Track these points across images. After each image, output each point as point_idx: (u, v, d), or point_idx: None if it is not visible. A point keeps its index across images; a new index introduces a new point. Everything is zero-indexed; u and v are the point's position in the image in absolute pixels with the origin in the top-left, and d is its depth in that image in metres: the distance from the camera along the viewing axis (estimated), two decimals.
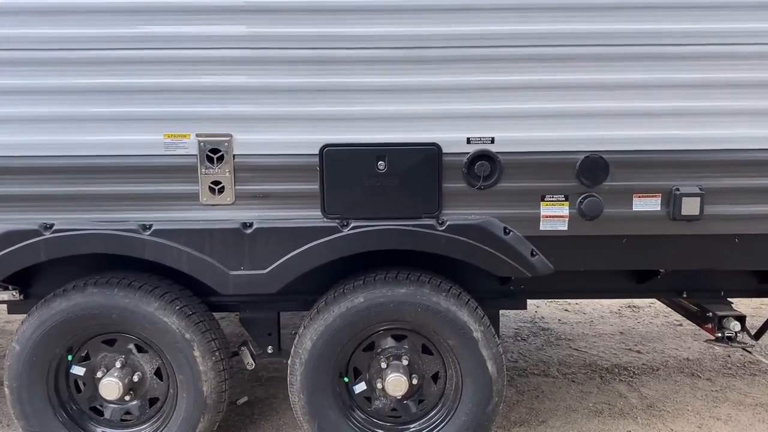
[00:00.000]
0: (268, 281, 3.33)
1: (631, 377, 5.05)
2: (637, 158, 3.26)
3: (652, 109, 3.23)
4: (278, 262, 3.31)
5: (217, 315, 3.84)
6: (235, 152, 3.25)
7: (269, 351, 3.85)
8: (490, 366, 3.46)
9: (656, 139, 3.25)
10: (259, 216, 3.30)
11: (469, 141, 3.25)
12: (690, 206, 3.27)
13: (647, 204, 3.31)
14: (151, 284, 3.51)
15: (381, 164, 3.24)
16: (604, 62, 3.20)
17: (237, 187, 3.28)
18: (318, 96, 3.20)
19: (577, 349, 5.70)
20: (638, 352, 5.63)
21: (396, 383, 3.47)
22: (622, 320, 6.47)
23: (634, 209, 3.31)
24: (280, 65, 3.18)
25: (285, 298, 3.74)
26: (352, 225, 3.30)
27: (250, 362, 3.89)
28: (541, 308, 6.85)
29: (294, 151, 3.24)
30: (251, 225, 3.29)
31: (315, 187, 3.26)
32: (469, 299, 3.51)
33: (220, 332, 3.72)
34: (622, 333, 6.15)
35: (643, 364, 5.33)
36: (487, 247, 3.30)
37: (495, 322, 3.83)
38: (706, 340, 4.00)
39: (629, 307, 6.88)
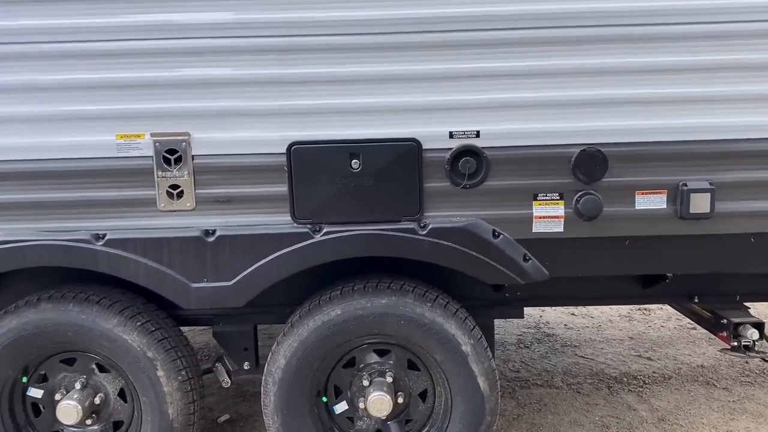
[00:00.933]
0: (234, 294, 3.03)
1: (641, 387, 4.71)
2: (639, 151, 2.94)
3: (656, 96, 2.91)
4: (244, 273, 3.01)
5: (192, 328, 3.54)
6: (193, 152, 2.95)
7: (246, 367, 3.55)
8: (482, 382, 3.14)
9: (660, 128, 2.93)
10: (222, 222, 3.01)
11: (451, 135, 2.93)
12: (699, 203, 2.94)
13: (651, 201, 2.98)
14: (110, 298, 3.22)
15: (355, 163, 2.93)
16: (600, 44, 2.88)
17: (197, 191, 2.98)
18: (284, 88, 2.90)
19: (583, 357, 5.37)
20: (649, 358, 5.29)
21: (380, 402, 3.16)
22: (632, 324, 6.12)
23: (636, 208, 2.99)
24: (241, 55, 2.89)
25: (261, 310, 3.48)
26: (324, 230, 2.99)
27: (225, 380, 3.61)
28: (547, 312, 6.52)
29: (259, 149, 2.94)
30: (214, 232, 3.00)
31: (283, 189, 2.96)
32: (457, 309, 3.19)
33: (189, 349, 3.43)
34: (631, 338, 5.80)
35: (654, 372, 4.98)
36: (474, 253, 2.99)
37: (489, 332, 3.52)
38: (722, 350, 3.66)
39: (639, 310, 6.53)
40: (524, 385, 4.82)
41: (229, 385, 3.60)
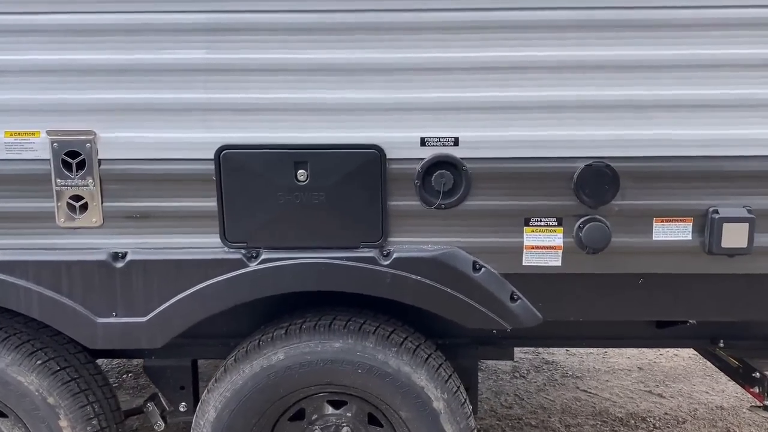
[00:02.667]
0: (149, 333, 2.45)
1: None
2: (659, 167, 2.34)
3: (682, 99, 2.30)
4: (162, 308, 2.43)
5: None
6: (100, 156, 2.37)
7: (182, 409, 2.98)
8: None
9: (687, 140, 2.32)
10: (135, 244, 2.43)
11: (423, 143, 2.32)
12: (734, 235, 2.32)
13: (673, 231, 2.37)
14: (5, 330, 2.63)
15: (301, 174, 2.33)
16: (611, 31, 2.28)
17: (105, 204, 2.40)
18: (212, 78, 2.31)
19: (586, 391, 4.75)
20: (660, 395, 4.67)
21: None
22: (642, 352, 5.49)
23: (654, 238, 2.39)
24: (158, 35, 2.29)
25: (201, 343, 2.91)
26: (262, 257, 2.40)
27: (158, 422, 3.04)
28: None
29: (180, 154, 2.36)
30: (124, 256, 2.41)
31: (211, 204, 2.37)
32: (429, 355, 2.60)
33: (106, 390, 2.84)
34: (641, 369, 5.18)
35: (666, 414, 4.37)
36: (448, 289, 2.39)
37: (472, 377, 2.96)
38: (751, 407, 3.04)
39: None
40: (516, 425, 4.21)
41: (162, 428, 3.02)
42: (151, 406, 2.99)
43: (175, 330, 2.46)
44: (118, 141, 2.36)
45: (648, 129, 2.32)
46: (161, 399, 3.01)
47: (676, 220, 2.37)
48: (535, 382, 4.92)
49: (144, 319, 2.45)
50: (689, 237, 2.37)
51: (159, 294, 2.43)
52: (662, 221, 2.37)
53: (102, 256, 2.41)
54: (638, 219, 2.37)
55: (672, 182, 2.35)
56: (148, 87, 2.32)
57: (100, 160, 2.37)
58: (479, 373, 4.92)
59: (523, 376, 5.03)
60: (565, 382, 4.93)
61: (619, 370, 5.16)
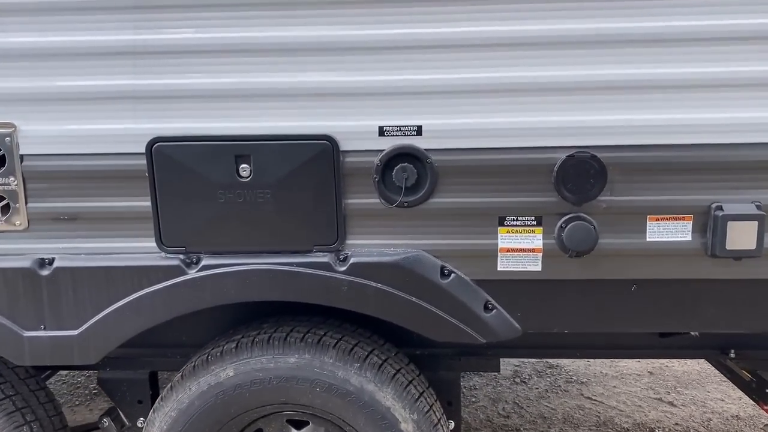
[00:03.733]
0: (82, 348, 2.21)
1: None
2: (653, 158, 2.03)
3: (678, 78, 1.99)
4: (93, 320, 2.18)
5: None
6: (23, 151, 2.11)
7: (139, 425, 2.74)
8: None
9: (685, 125, 2.01)
10: (64, 249, 2.17)
11: (382, 132, 2.04)
12: (741, 235, 2.01)
13: (669, 231, 2.07)
14: None
15: (244, 169, 2.06)
16: (589, 0, 1.94)
17: (30, 205, 2.14)
18: (140, 61, 2.02)
19: (590, 398, 4.44)
20: (671, 403, 4.34)
21: None
22: None
23: (648, 239, 2.08)
24: (78, 14, 2.03)
25: (159, 353, 2.69)
26: (202, 263, 2.12)
27: None
28: None
29: (110, 148, 2.10)
30: (51, 262, 2.16)
31: (145, 204, 2.09)
32: (397, 371, 2.32)
33: (49, 408, 2.60)
34: (651, 373, 4.85)
35: (677, 424, 4.04)
36: (413, 299, 2.11)
37: (453, 390, 2.68)
38: (766, 427, 2.71)
39: None
40: None
41: None
42: (107, 421, 2.77)
43: (110, 344, 2.21)
44: (41, 134, 2.11)
45: (640, 113, 2.02)
46: (119, 414, 2.78)
47: (674, 219, 2.06)
48: (537, 388, 4.62)
49: (75, 333, 2.20)
50: (689, 237, 2.07)
51: (91, 304, 2.18)
52: (657, 220, 2.07)
53: (26, 263, 2.16)
54: (629, 217, 2.08)
55: (668, 174, 2.05)
56: (71, 73, 2.06)
57: (22, 156, 2.12)
58: (477, 378, 4.65)
59: (524, 382, 4.73)
60: (568, 388, 4.62)
61: (628, 375, 4.84)
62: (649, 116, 2.01)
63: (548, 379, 4.80)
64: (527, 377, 4.82)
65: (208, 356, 2.34)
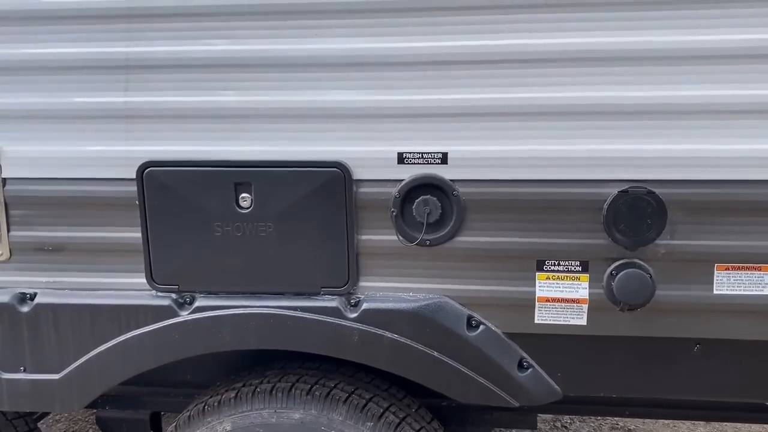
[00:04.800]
0: (64, 393, 1.99)
1: None
2: (723, 195, 1.71)
3: (754, 101, 1.65)
4: (76, 364, 1.95)
5: None
6: (5, 174, 1.92)
7: None
8: None
9: (761, 158, 1.67)
10: (46, 283, 1.95)
11: (402, 159, 1.77)
12: None
13: (742, 283, 1.75)
14: None
15: (244, 198, 1.81)
16: (651, 10, 1.64)
17: (12, 234, 1.95)
18: (132, 76, 1.80)
19: None
20: None
21: None
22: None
23: (715, 292, 1.76)
24: (67, 24, 1.83)
25: (161, 392, 2.45)
26: (196, 304, 1.87)
27: None
28: None
29: (98, 172, 1.88)
30: (33, 297, 1.95)
31: (136, 235, 1.85)
32: (418, 431, 2.01)
33: None
34: (708, 423, 4.41)
35: None
36: (435, 353, 1.82)
37: None
38: None
39: None
40: None
41: None
42: None
43: (94, 391, 1.99)
44: (24, 156, 1.91)
45: (707, 142, 1.70)
46: None
47: (748, 268, 1.74)
48: None
49: (57, 377, 1.98)
50: (766, 291, 1.73)
51: (74, 346, 1.96)
52: (727, 269, 1.75)
53: (5, 298, 1.95)
54: (693, 265, 1.75)
55: (741, 216, 1.72)
56: (56, 89, 1.86)
57: (4, 180, 1.92)
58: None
59: (565, 427, 4.36)
60: None
61: (681, 424, 4.42)
62: (720, 146, 1.70)
63: (592, 424, 4.42)
64: (568, 422, 4.45)
65: (205, 406, 2.09)
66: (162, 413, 2.61)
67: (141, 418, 2.48)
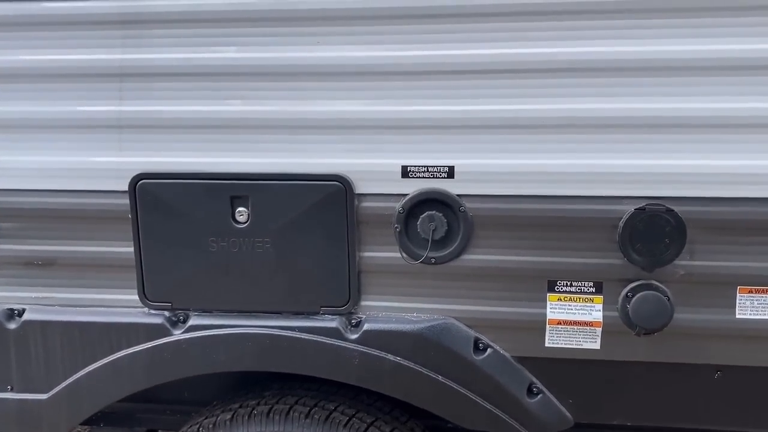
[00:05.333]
0: (52, 414, 1.92)
1: None
2: (746, 213, 1.62)
3: None
4: (66, 383, 1.88)
5: None
6: None
7: None
8: None
9: None
10: (35, 299, 1.88)
11: (406, 173, 1.68)
12: None
13: (766, 307, 1.61)
14: None
15: (240, 212, 1.73)
16: (671, 17, 1.55)
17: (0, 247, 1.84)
18: (126, 83, 1.73)
19: None
20: None
21: None
22: None
23: (738, 316, 1.66)
24: (59, 29, 1.75)
25: (157, 410, 2.34)
26: (190, 323, 1.79)
27: None
28: None
29: (88, 184, 1.81)
30: (21, 314, 1.87)
31: (127, 250, 1.77)
32: None
33: None
34: None
35: None
36: (440, 377, 1.72)
37: None
38: None
39: None
40: None
41: None
42: None
43: (83, 412, 1.92)
44: (12, 166, 1.84)
45: (730, 158, 1.60)
46: None
47: None
48: None
49: (45, 397, 1.90)
50: None
51: (63, 365, 1.88)
52: (750, 292, 1.65)
53: None
54: (714, 288, 1.66)
55: (767, 236, 1.61)
56: (46, 97, 1.79)
57: None
58: None
59: None
60: None
61: None
62: (742, 162, 1.60)
63: None
64: None
65: (199, 428, 2.00)
66: (158, 431, 2.52)
67: None
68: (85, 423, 2.51)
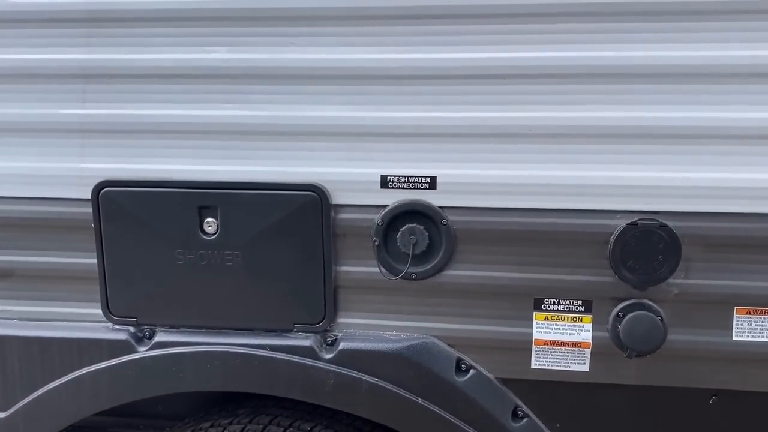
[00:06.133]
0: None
1: None
2: (744, 230, 1.53)
3: None
4: (25, 401, 1.78)
5: None
6: None
7: None
8: None
9: None
10: None
11: (386, 183, 1.59)
12: None
13: (765, 329, 1.55)
14: None
15: (209, 223, 1.64)
16: (670, 21, 1.46)
17: None
18: (90, 85, 1.63)
19: None
20: None
21: None
22: None
23: (735, 338, 1.57)
24: (14, 26, 1.64)
25: (129, 424, 2.23)
26: (156, 340, 1.69)
27: None
28: None
29: (48, 191, 1.71)
30: None
31: (90, 262, 1.68)
32: None
33: None
34: None
35: None
36: (419, 400, 1.63)
37: None
38: None
39: None
40: None
41: None
42: None
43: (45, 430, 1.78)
44: None
45: (729, 171, 1.51)
46: None
47: None
48: None
49: (3, 415, 1.80)
50: None
51: (22, 382, 1.78)
52: (748, 313, 1.56)
53: None
54: (709, 308, 1.57)
55: (766, 254, 1.52)
56: (5, 99, 1.68)
57: None
58: None
59: None
60: None
61: None
62: (741, 175, 1.51)
63: None
64: None
65: None
66: None
67: None
68: None
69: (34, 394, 1.77)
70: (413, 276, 1.63)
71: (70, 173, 1.68)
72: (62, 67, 1.65)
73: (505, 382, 1.67)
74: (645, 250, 1.53)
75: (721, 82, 1.48)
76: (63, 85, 1.65)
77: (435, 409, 1.65)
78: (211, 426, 1.91)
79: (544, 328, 1.62)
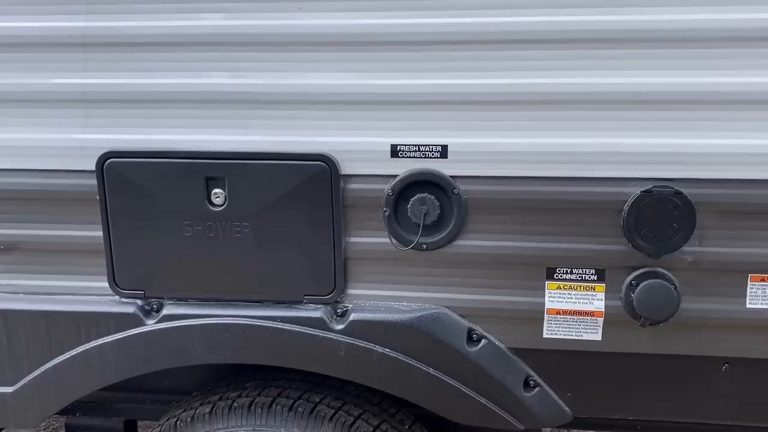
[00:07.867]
0: (18, 407, 1.83)
1: None
2: (760, 197, 1.51)
3: None
4: (32, 376, 1.76)
5: None
6: None
7: None
8: None
9: None
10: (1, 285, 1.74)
11: (396, 152, 1.57)
12: None
13: None
14: None
15: (216, 194, 1.61)
16: None
17: None
18: (91, 54, 1.60)
19: None
20: None
21: None
22: None
23: (749, 306, 1.56)
24: None
25: (136, 399, 2.24)
26: (164, 312, 1.67)
27: None
28: None
29: (52, 163, 1.69)
30: None
31: (96, 234, 1.65)
32: None
33: None
34: None
35: None
36: (431, 370, 1.62)
37: None
38: None
39: None
40: None
41: None
42: None
43: (51, 406, 1.81)
44: None
45: (744, 137, 1.50)
46: None
47: None
48: None
49: (11, 390, 1.78)
50: None
51: (29, 357, 1.76)
52: (762, 280, 1.55)
53: None
54: (724, 276, 1.56)
55: None
56: (6, 69, 1.64)
57: None
58: None
59: None
60: None
61: None
62: (756, 141, 1.50)
63: None
64: None
65: (177, 421, 1.90)
66: (137, 421, 2.42)
67: (114, 427, 2.29)
68: (60, 413, 2.42)
69: (41, 368, 1.76)
70: (424, 246, 1.61)
71: (72, 144, 1.65)
72: (61, 36, 1.61)
73: (516, 351, 1.67)
74: (659, 217, 1.51)
75: (737, 46, 1.45)
76: (63, 53, 1.61)
77: (446, 379, 1.64)
78: (220, 399, 1.91)
79: (556, 297, 1.61)
